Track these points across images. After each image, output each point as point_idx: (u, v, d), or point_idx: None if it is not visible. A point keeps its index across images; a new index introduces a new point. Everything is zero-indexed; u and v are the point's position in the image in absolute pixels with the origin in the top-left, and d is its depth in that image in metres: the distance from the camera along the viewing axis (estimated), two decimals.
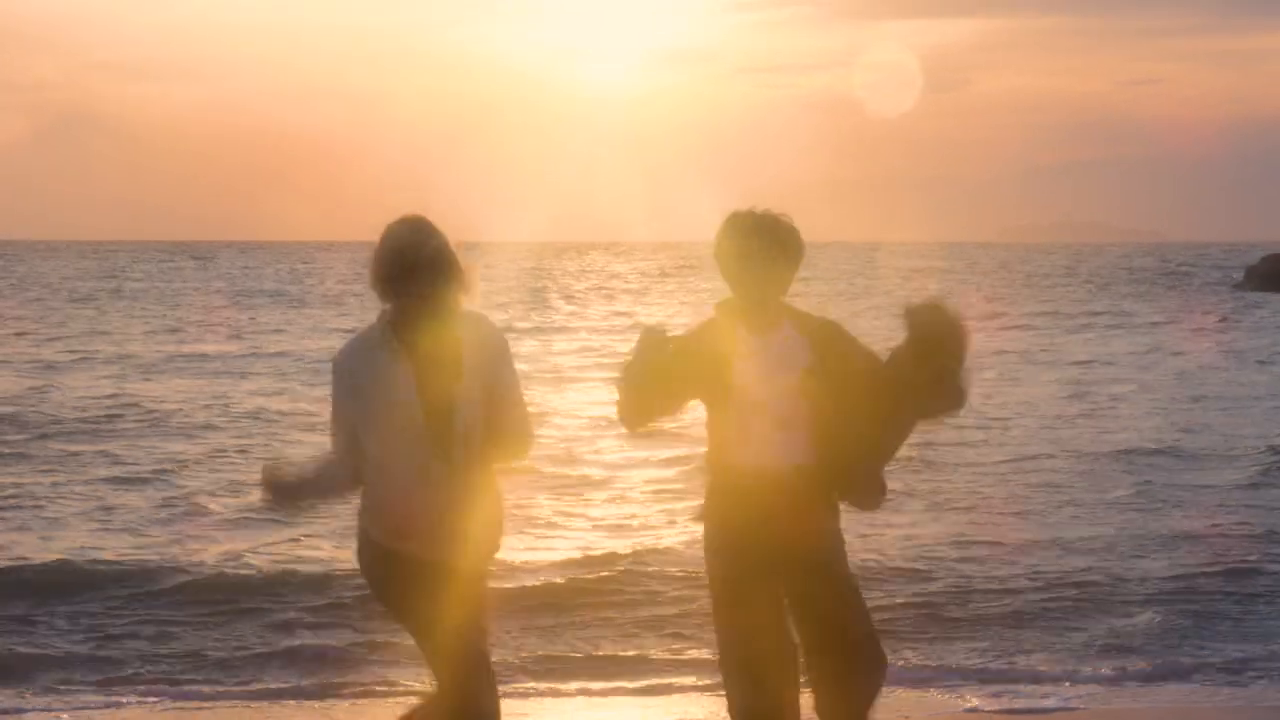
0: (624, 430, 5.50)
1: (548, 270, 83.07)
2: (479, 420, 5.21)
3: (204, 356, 30.49)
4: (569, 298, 60.18)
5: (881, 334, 6.86)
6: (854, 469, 5.26)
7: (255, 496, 5.74)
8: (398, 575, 5.30)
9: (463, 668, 5.26)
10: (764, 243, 5.27)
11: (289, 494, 5.46)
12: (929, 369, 5.17)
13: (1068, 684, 8.68)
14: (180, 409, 21.28)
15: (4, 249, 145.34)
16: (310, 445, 15.45)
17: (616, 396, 5.37)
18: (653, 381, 5.26)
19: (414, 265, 5.19)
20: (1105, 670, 9.02)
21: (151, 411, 20.90)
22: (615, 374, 5.48)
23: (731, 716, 5.36)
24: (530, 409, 5.39)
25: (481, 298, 5.38)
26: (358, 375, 5.29)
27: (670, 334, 5.36)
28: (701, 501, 5.40)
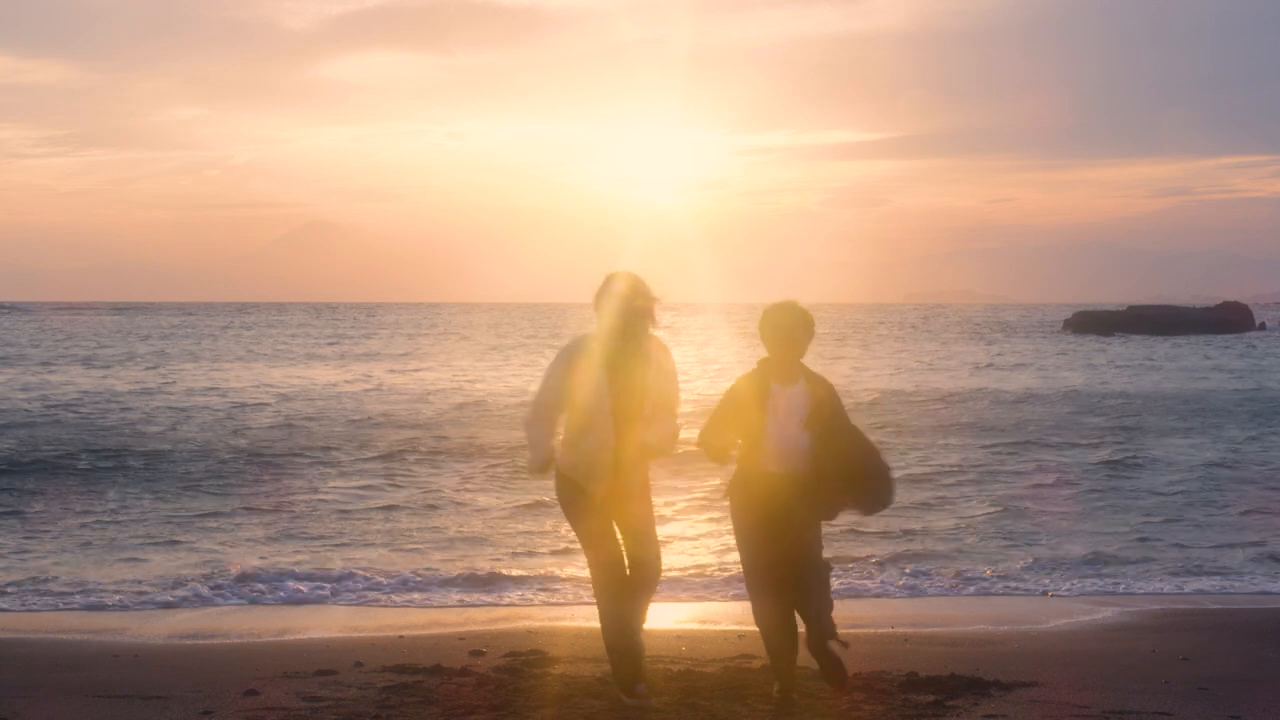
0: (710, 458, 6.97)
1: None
2: (646, 406, 6.60)
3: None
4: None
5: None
6: (830, 479, 6.85)
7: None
8: (579, 500, 6.72)
9: (634, 540, 6.76)
10: (787, 328, 6.88)
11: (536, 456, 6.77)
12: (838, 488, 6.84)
13: None
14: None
15: (315, 307, 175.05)
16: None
17: (701, 445, 6.91)
18: (718, 430, 6.91)
19: (623, 301, 6.57)
20: None
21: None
22: (699, 440, 6.92)
23: (750, 594, 7.06)
24: (679, 422, 6.74)
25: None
26: (569, 361, 6.67)
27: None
28: (730, 481, 7.01)
